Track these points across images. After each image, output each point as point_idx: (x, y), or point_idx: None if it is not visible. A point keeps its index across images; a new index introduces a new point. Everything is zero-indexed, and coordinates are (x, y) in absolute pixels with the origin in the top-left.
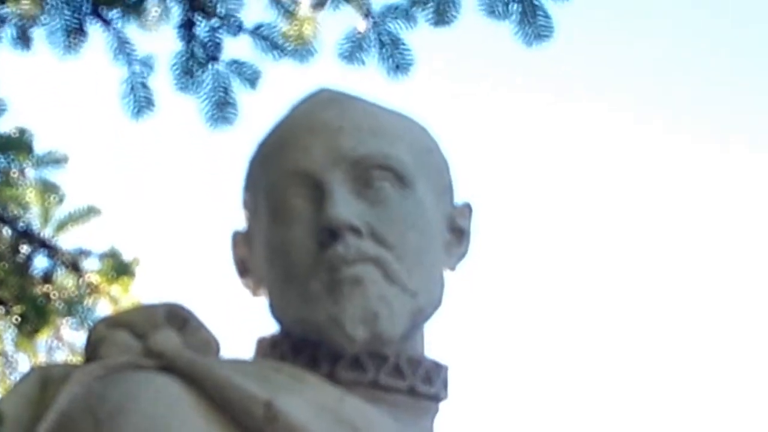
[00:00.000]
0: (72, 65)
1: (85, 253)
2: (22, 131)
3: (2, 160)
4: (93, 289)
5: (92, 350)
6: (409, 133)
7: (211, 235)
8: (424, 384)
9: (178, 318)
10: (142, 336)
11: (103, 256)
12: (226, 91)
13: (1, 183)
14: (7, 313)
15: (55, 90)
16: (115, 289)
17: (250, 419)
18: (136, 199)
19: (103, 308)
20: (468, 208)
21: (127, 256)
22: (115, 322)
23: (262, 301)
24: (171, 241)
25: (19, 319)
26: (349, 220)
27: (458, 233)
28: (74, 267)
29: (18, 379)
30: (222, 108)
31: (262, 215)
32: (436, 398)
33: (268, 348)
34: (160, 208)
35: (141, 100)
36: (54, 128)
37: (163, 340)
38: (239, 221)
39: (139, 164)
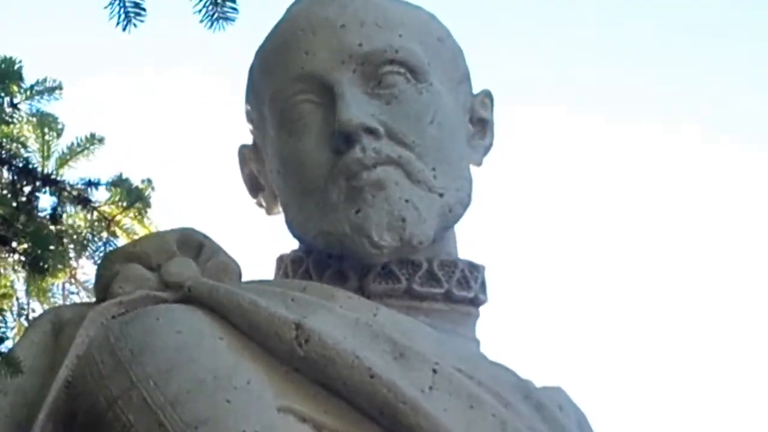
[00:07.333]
0: None
1: (93, 185)
2: (7, 60)
3: None
4: (106, 223)
5: (104, 287)
6: (416, 22)
7: (224, 152)
8: (460, 288)
9: (192, 244)
10: (156, 267)
11: (112, 185)
12: None
13: None
14: (13, 251)
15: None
16: (130, 218)
17: (280, 343)
18: (140, 121)
19: (119, 243)
20: (488, 96)
21: (137, 182)
22: (126, 255)
23: (280, 218)
24: (183, 162)
25: (28, 257)
26: (363, 121)
27: (481, 124)
28: (83, 201)
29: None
30: (219, 4)
31: (269, 126)
32: (475, 302)
33: (291, 266)
34: (167, 128)
35: (128, 7)
36: (41, 56)
37: (179, 270)
38: (247, 135)
39: (138, 82)
